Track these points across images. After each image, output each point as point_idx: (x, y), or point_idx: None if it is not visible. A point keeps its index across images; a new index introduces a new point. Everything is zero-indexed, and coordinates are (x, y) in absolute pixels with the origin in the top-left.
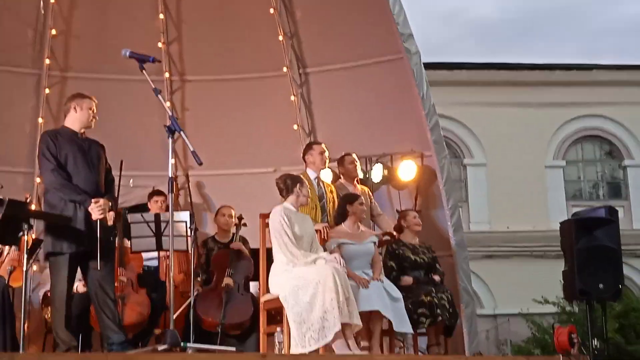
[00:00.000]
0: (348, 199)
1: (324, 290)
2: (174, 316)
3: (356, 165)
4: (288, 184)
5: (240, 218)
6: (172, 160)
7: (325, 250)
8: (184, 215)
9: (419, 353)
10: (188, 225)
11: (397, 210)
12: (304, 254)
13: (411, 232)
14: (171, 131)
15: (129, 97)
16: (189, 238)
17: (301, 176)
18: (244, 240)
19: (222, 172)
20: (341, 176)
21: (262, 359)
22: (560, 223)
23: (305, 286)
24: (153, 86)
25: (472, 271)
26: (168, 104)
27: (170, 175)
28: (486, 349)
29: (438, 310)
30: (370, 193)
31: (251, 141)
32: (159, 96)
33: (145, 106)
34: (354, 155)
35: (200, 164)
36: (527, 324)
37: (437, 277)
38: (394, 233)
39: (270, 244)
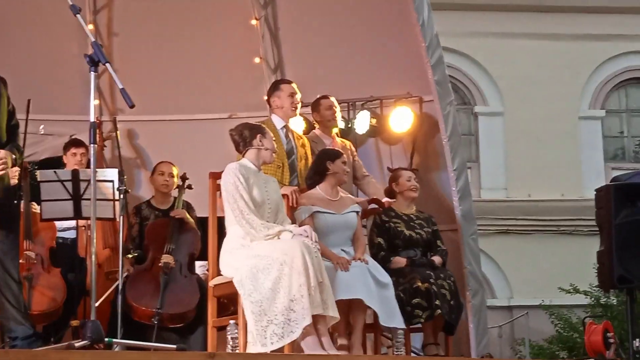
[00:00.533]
0: (328, 155)
1: (291, 273)
2: (97, 304)
3: (335, 112)
4: (245, 136)
5: (184, 178)
6: (95, 102)
7: (293, 221)
8: (111, 173)
9: (412, 354)
10: (116, 186)
11: (387, 168)
12: (264, 225)
13: (405, 198)
14: (94, 62)
15: (39, 17)
16: (116, 203)
17: (264, 125)
18: (188, 207)
19: (161, 118)
20: (316, 126)
21: (210, 359)
22: (596, 190)
23: (267, 267)
24: (71, 2)
25: (482, 251)
26: (90, 26)
27: (92, 121)
28: (498, 350)
29: (437, 301)
30: (354, 149)
31: (199, 78)
32: (78, 16)
33: (60, 29)
34: (333, 99)
35: (132, 106)
36: (550, 318)
37: (437, 259)
38: (383, 200)
39: (222, 212)
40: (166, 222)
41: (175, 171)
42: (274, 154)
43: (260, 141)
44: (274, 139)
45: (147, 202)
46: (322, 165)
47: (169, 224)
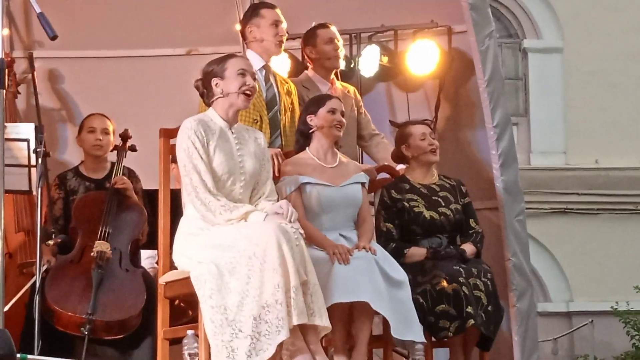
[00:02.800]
0: (308, 106)
1: (262, 270)
2: (6, 307)
3: (338, 47)
4: (212, 73)
5: (125, 137)
6: (3, 31)
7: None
8: (25, 129)
9: None
10: (32, 147)
11: (390, 122)
12: (225, 207)
13: (421, 164)
14: None
15: None
16: (33, 170)
17: (230, 54)
18: (130, 176)
19: (94, 55)
20: (308, 65)
21: None
22: None
23: (234, 262)
24: None
25: (531, 237)
26: None
27: None
28: None
29: (469, 308)
30: (359, 97)
31: (147, 0)
32: None
33: None
34: (334, 30)
35: (54, 37)
36: (624, 328)
37: (469, 248)
38: (397, 167)
39: (178, 183)
40: (100, 197)
41: (110, 127)
42: (245, 94)
43: (217, 85)
44: (241, 71)
45: (74, 170)
46: (303, 122)
47: (105, 198)
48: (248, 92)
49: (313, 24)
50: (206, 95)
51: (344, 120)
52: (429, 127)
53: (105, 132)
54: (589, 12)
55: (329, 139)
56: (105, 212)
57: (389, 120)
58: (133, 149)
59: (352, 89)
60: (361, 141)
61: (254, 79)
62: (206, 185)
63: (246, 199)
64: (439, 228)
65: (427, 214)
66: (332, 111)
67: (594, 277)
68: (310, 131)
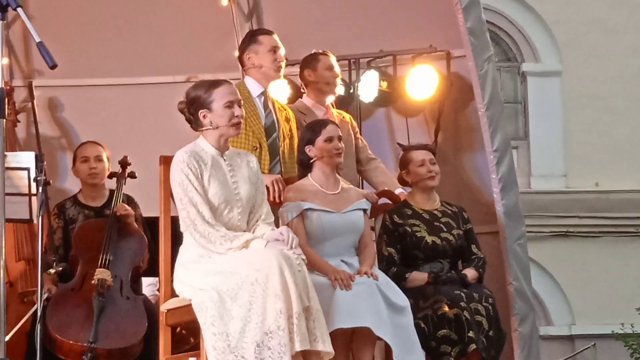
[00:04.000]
0: (304, 137)
1: (265, 297)
2: (8, 337)
3: (336, 74)
4: (199, 101)
5: (124, 163)
6: (2, 60)
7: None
8: (25, 158)
9: None
10: (32, 175)
11: (398, 144)
12: (225, 237)
13: (422, 190)
14: (0, 7)
15: None
16: (33, 199)
17: (216, 81)
18: (130, 203)
19: (94, 83)
20: (304, 90)
21: None
22: None
23: (236, 288)
24: None
25: (532, 260)
26: None
27: None
28: None
29: (471, 332)
30: (355, 124)
31: (146, 28)
32: None
33: None
34: (332, 57)
35: (54, 66)
36: (628, 351)
37: (471, 272)
38: (397, 192)
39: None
40: (100, 224)
41: (104, 153)
42: (235, 125)
43: (205, 117)
44: (229, 103)
45: (73, 198)
46: (302, 152)
47: (105, 226)
48: (237, 123)
49: (314, 51)
50: (194, 122)
51: (343, 146)
52: (431, 152)
53: (99, 159)
54: (587, 36)
55: (329, 166)
56: (106, 239)
57: (397, 143)
58: (132, 175)
59: (347, 115)
60: (358, 166)
61: (240, 106)
62: (204, 217)
63: (244, 224)
64: (441, 253)
65: (429, 238)
66: (330, 139)
67: (596, 300)
68: (311, 161)
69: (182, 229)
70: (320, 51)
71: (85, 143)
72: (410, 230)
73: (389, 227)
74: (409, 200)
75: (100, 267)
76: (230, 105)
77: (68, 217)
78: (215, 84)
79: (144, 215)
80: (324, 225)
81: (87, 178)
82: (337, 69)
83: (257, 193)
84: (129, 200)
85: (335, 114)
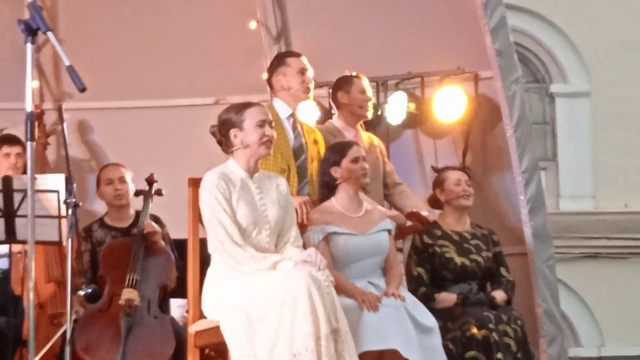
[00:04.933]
0: (329, 158)
1: (293, 318)
2: (37, 358)
3: (369, 98)
4: (231, 121)
5: (150, 181)
6: (33, 84)
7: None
8: (55, 181)
9: None
10: (62, 198)
11: (432, 168)
12: (254, 258)
13: (454, 209)
14: (31, 31)
15: None
16: (63, 221)
17: (247, 103)
18: (157, 222)
19: (122, 105)
20: (334, 112)
21: None
22: None
23: (264, 310)
24: None
25: (561, 282)
26: None
27: (29, 110)
28: None
29: (499, 354)
30: (383, 147)
31: (174, 51)
32: None
33: None
34: (366, 80)
35: (83, 89)
36: None
37: (499, 294)
38: (424, 214)
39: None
40: (127, 244)
41: (127, 174)
42: (266, 143)
43: (236, 137)
44: (261, 122)
45: (99, 221)
46: (326, 174)
47: (131, 245)
48: (269, 143)
49: (346, 72)
50: (224, 144)
51: (368, 166)
52: (466, 174)
53: (122, 180)
54: (616, 56)
55: (354, 188)
56: (133, 258)
57: (431, 166)
58: (159, 193)
59: (376, 139)
60: (385, 190)
61: (272, 126)
62: (232, 238)
63: (272, 246)
64: (470, 274)
65: (458, 260)
66: (355, 160)
67: (625, 321)
68: (337, 183)
69: (210, 250)
70: (353, 74)
71: (107, 165)
72: (439, 250)
73: (419, 247)
74: (439, 222)
75: (127, 287)
76: (261, 124)
77: (95, 240)
78: (247, 105)
79: (173, 237)
80: (349, 248)
81: (113, 200)
82: (369, 92)
83: (286, 216)
84: (156, 220)
85: (365, 137)
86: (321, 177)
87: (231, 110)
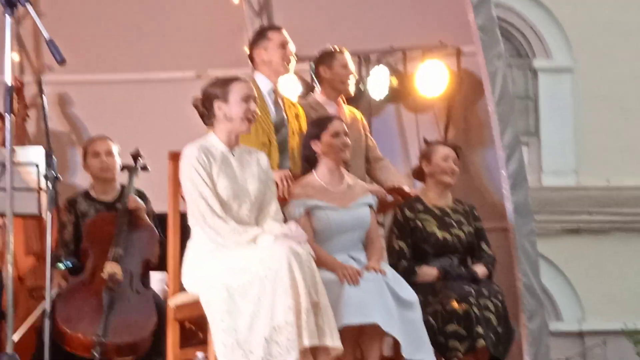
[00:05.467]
0: (310, 132)
1: (274, 292)
2: (19, 333)
3: (350, 72)
4: (211, 98)
5: (136, 156)
6: (13, 56)
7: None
8: (35, 153)
9: None
10: (41, 171)
11: (424, 140)
12: (234, 230)
13: (437, 184)
14: (10, 3)
15: None
16: (42, 194)
17: (234, 78)
18: (141, 197)
19: (104, 78)
20: (315, 86)
21: None
22: None
23: (244, 285)
24: None
25: (542, 257)
26: None
27: (9, 83)
28: None
29: (479, 328)
30: (365, 122)
31: (156, 24)
32: None
33: None
34: (348, 55)
35: (62, 62)
36: (636, 348)
37: (480, 269)
38: (406, 189)
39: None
40: (111, 218)
41: (114, 147)
42: (247, 120)
43: (220, 109)
44: (246, 97)
45: (84, 193)
46: (306, 148)
47: (116, 220)
48: (251, 118)
49: (328, 46)
50: (206, 115)
51: (349, 141)
52: (455, 153)
53: (109, 153)
54: (599, 32)
55: (335, 162)
56: (117, 233)
57: (424, 138)
58: (145, 168)
59: (358, 113)
60: (366, 164)
61: (256, 103)
62: (214, 210)
63: (253, 220)
64: (451, 249)
65: (439, 234)
66: (336, 134)
67: (606, 296)
68: (316, 156)
69: (190, 223)
70: (336, 48)
71: (94, 138)
72: (421, 224)
73: (400, 221)
74: (421, 196)
75: (110, 261)
76: (247, 99)
77: (79, 211)
78: (234, 79)
79: (156, 211)
80: (331, 222)
81: (99, 173)
82: (352, 67)
83: (267, 190)
84: (141, 195)
85: (347, 111)
86: (302, 150)
87: (217, 83)
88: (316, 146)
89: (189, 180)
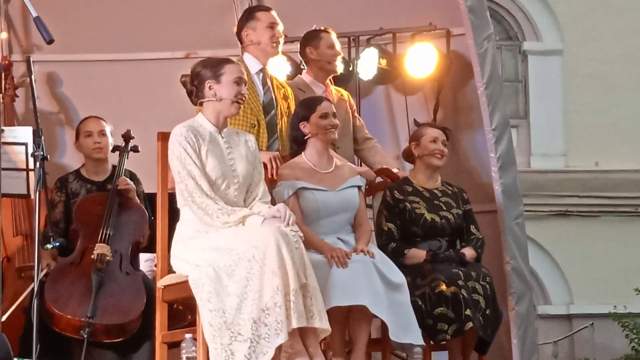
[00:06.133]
0: (298, 114)
1: (262, 273)
2: (5, 316)
3: (338, 52)
4: (196, 82)
5: (127, 137)
6: (1, 35)
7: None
8: (23, 133)
9: None
10: (30, 150)
11: (414, 122)
12: (223, 211)
13: (426, 166)
14: None
15: None
16: (31, 174)
17: (226, 59)
18: (132, 178)
19: (93, 58)
20: (304, 67)
21: None
22: None
23: (232, 265)
24: None
25: (530, 239)
26: None
27: None
28: None
29: (468, 311)
30: (352, 102)
31: (145, 3)
32: None
33: None
34: (334, 35)
35: (50, 41)
36: (624, 331)
37: (469, 252)
38: (395, 170)
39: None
40: (102, 198)
41: (107, 128)
42: (237, 103)
43: (211, 89)
44: (237, 80)
45: (75, 173)
46: (294, 129)
47: (106, 200)
48: (241, 101)
49: (314, 27)
50: (195, 94)
51: (337, 122)
52: (445, 135)
53: (102, 133)
54: (588, 15)
55: (323, 143)
56: (107, 214)
57: (414, 119)
58: (135, 149)
59: (345, 93)
60: (355, 145)
61: (246, 87)
62: (202, 189)
63: (240, 201)
64: (439, 231)
65: (428, 216)
66: (324, 116)
67: (594, 279)
68: (305, 138)
69: (179, 204)
70: (322, 28)
71: (88, 118)
72: (410, 206)
73: (390, 202)
74: (410, 178)
75: (100, 242)
76: (238, 82)
77: (70, 191)
78: (227, 60)
79: (147, 192)
80: (319, 203)
81: (92, 152)
82: (338, 47)
83: (255, 172)
84: (132, 176)
85: (334, 91)
86: (291, 132)
87: (209, 63)
88: (304, 127)
89: (178, 160)
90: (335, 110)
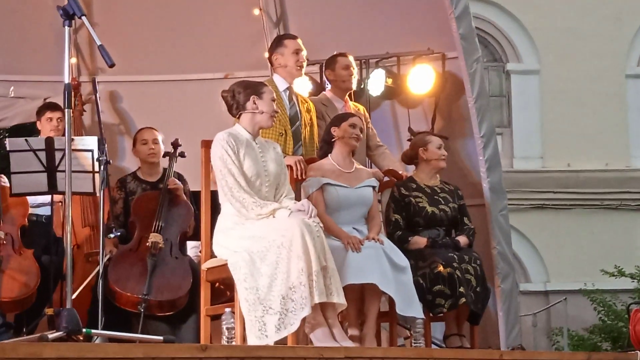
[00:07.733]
0: (333, 120)
1: (289, 257)
2: (76, 292)
3: (352, 74)
4: (238, 98)
5: (175, 145)
6: (72, 60)
7: (300, 195)
8: (90, 142)
9: (433, 346)
10: (95, 156)
11: (409, 130)
12: (257, 204)
13: (431, 168)
14: (68, 16)
15: None
16: (96, 175)
17: (263, 83)
18: (180, 179)
19: (147, 79)
20: (326, 87)
21: (202, 352)
22: None
23: (263, 251)
24: None
25: (513, 228)
26: None
27: (67, 82)
28: (532, 341)
29: (461, 288)
30: (367, 115)
31: (190, 33)
32: None
33: None
34: (351, 59)
35: (112, 65)
36: (592, 305)
37: (462, 239)
38: (401, 172)
39: (216, 185)
40: (155, 196)
41: (159, 137)
42: (273, 117)
43: (255, 103)
44: (274, 99)
45: (133, 174)
46: (327, 132)
47: (158, 197)
48: (274, 117)
49: (334, 52)
50: (234, 107)
51: (361, 135)
52: (443, 141)
53: (155, 142)
54: (562, 40)
55: (347, 148)
56: (159, 208)
57: (409, 127)
58: (182, 155)
59: (361, 107)
60: (368, 151)
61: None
62: (240, 185)
63: (271, 197)
64: (438, 222)
65: (429, 209)
66: (353, 125)
67: (567, 261)
68: (332, 140)
69: (220, 199)
70: (339, 53)
71: (143, 128)
72: (414, 200)
73: (397, 197)
74: (414, 177)
75: (153, 232)
76: (274, 101)
77: (129, 189)
78: (265, 84)
79: (192, 189)
80: (340, 197)
81: (147, 157)
82: (353, 68)
83: (282, 173)
84: (179, 177)
85: (352, 106)
86: (322, 135)
87: (252, 83)
88: (334, 131)
89: (220, 159)
90: (363, 127)
